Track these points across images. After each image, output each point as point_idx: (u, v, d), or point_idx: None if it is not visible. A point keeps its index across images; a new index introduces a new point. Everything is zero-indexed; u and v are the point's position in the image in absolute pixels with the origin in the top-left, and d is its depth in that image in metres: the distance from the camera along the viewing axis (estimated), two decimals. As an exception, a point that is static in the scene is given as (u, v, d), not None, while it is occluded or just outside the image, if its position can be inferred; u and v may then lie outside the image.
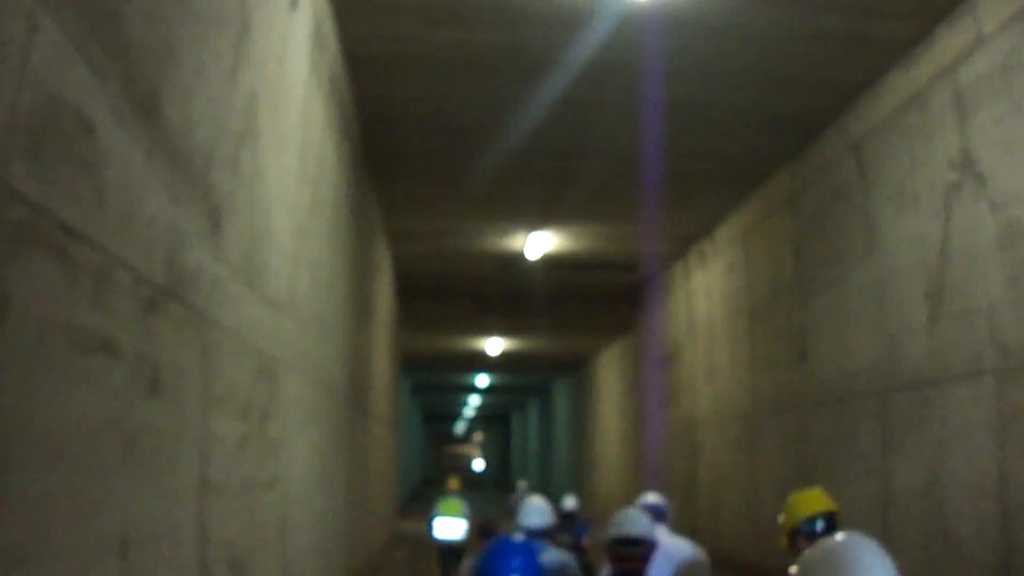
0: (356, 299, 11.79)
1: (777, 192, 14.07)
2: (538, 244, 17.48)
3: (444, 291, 22.57)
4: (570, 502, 13.29)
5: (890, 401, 10.70)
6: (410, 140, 11.93)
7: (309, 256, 7.59)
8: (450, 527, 14.23)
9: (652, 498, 6.42)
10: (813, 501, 4.14)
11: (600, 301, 23.40)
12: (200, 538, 4.20)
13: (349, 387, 11.20)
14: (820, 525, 4.01)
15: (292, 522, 6.64)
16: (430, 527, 14.35)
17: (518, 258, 18.51)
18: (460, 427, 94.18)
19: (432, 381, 43.30)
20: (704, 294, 17.49)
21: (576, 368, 36.14)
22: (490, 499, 37.18)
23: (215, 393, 4.46)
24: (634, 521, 4.33)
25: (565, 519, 12.17)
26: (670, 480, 19.84)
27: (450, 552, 14.02)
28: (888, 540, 10.65)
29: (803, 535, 4.02)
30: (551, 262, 18.91)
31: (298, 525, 7.00)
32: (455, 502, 14.57)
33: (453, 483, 15.74)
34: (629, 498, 19.84)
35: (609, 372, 29.33)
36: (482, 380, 42.12)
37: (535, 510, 5.77)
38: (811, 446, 12.75)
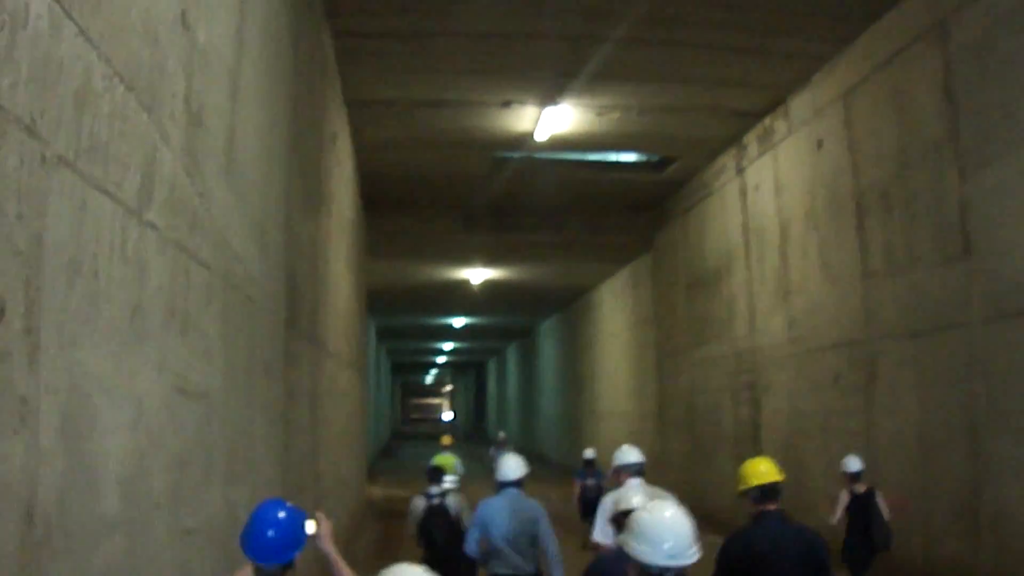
0: (298, 164, 7.35)
1: (910, 21, 9.74)
2: (552, 122, 13.04)
3: (419, 198, 17.96)
4: (589, 452, 15.05)
5: None
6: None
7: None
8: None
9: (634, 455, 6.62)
10: (769, 472, 4.57)
11: (614, 212, 18.95)
12: None
13: (287, 298, 6.79)
14: (763, 492, 4.50)
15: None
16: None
17: (523, 142, 14.01)
18: (430, 376, 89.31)
19: (401, 324, 38.48)
20: (772, 187, 13.15)
21: (567, 304, 31.67)
22: (463, 452, 33.12)
23: None
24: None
25: (587, 465, 14.46)
26: (712, 433, 15.63)
27: None
28: None
29: (750, 498, 4.53)
30: (563, 145, 14.44)
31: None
32: (449, 458, 13.80)
33: (446, 439, 16.54)
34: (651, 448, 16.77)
35: (615, 305, 24.95)
36: (458, 322, 37.47)
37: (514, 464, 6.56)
38: (985, 381, 8.52)
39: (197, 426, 3.82)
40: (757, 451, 13.32)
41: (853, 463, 8.78)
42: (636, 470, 6.53)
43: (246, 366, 4.99)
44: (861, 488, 8.64)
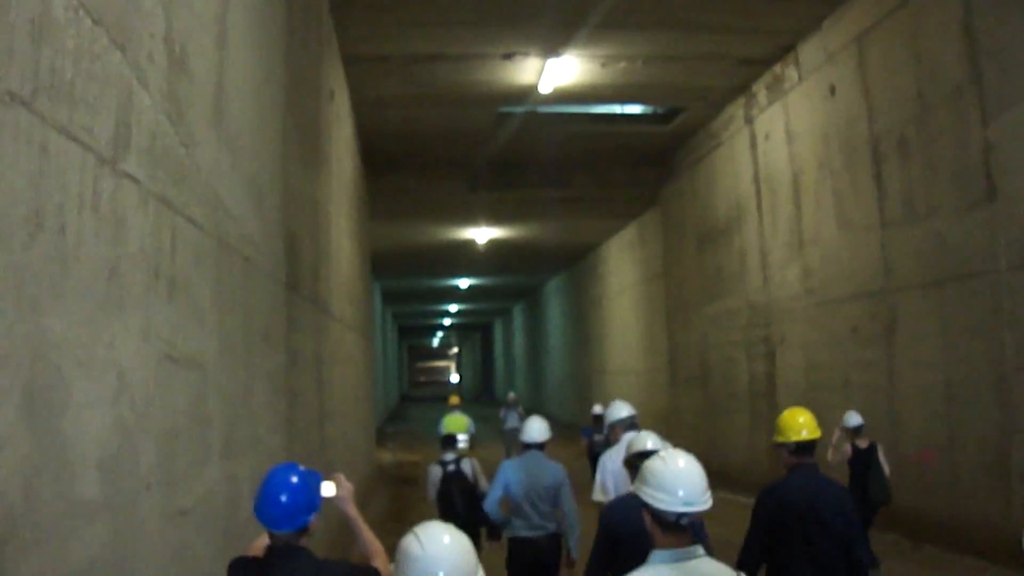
0: (294, 121, 7.01)
1: (927, -42, 9.33)
2: (555, 74, 12.66)
3: (421, 157, 17.55)
4: (598, 408, 14.74)
5: None
6: None
7: None
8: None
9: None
10: (807, 427, 4.49)
11: (620, 166, 18.54)
12: None
13: (287, 260, 6.49)
14: (799, 447, 4.47)
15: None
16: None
17: (526, 95, 13.62)
18: (436, 339, 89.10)
19: (406, 287, 38.19)
20: (783, 136, 12.77)
21: (574, 262, 31.37)
22: (471, 414, 33.16)
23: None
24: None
25: (596, 420, 14.04)
26: (725, 388, 15.38)
27: None
28: None
29: (787, 450, 4.50)
30: (567, 98, 14.06)
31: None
32: (460, 418, 14.76)
33: (454, 399, 16.53)
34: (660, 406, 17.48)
35: (622, 261, 24.66)
36: (464, 283, 37.11)
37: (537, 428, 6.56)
38: (1013, 329, 8.24)
39: (190, 397, 3.53)
40: (772, 406, 13.08)
41: (853, 418, 8.72)
42: (629, 423, 6.56)
43: (244, 332, 4.70)
44: (863, 443, 8.60)
